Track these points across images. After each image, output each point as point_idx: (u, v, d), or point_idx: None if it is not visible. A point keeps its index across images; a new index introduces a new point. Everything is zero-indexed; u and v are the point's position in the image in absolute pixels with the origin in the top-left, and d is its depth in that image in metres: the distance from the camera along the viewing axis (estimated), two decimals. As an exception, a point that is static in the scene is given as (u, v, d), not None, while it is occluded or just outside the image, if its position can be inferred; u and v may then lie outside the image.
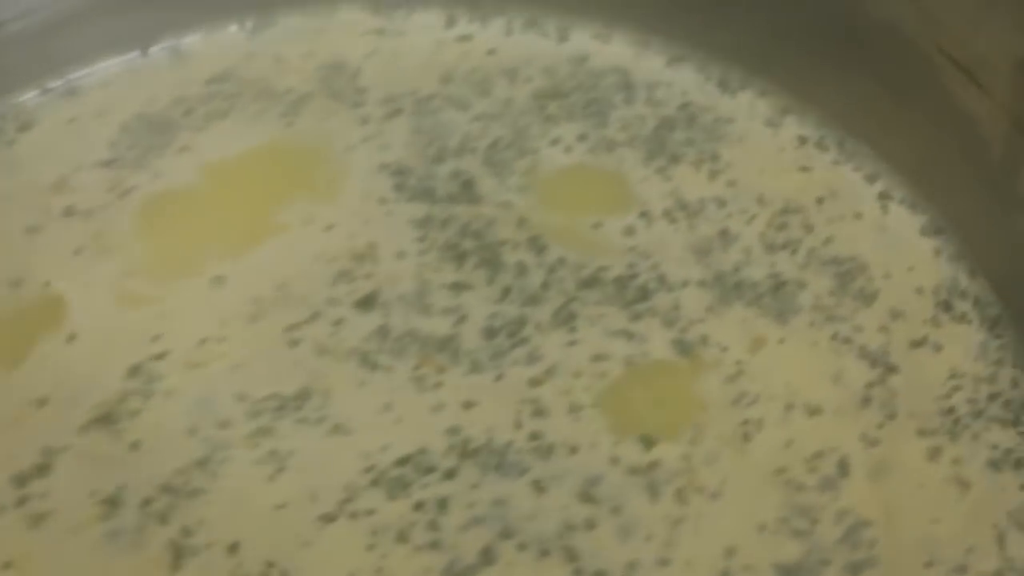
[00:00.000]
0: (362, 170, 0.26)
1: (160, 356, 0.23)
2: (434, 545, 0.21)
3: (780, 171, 0.27)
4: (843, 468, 0.22)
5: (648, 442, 0.23)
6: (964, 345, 0.24)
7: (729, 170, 0.27)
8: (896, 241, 0.26)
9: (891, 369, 0.23)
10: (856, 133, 0.27)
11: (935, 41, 0.24)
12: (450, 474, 0.22)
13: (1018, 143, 0.23)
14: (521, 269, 0.24)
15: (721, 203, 0.26)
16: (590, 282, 0.24)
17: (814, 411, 0.23)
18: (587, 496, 0.22)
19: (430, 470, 0.22)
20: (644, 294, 0.24)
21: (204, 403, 0.22)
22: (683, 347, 0.23)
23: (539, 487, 0.22)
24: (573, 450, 0.23)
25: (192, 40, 0.28)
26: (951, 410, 0.23)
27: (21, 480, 0.21)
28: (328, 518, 0.21)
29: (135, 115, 0.27)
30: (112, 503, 0.21)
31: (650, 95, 0.28)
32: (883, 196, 0.26)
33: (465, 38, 0.28)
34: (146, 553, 0.21)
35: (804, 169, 0.27)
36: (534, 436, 0.22)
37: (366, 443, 0.22)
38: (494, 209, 0.25)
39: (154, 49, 0.28)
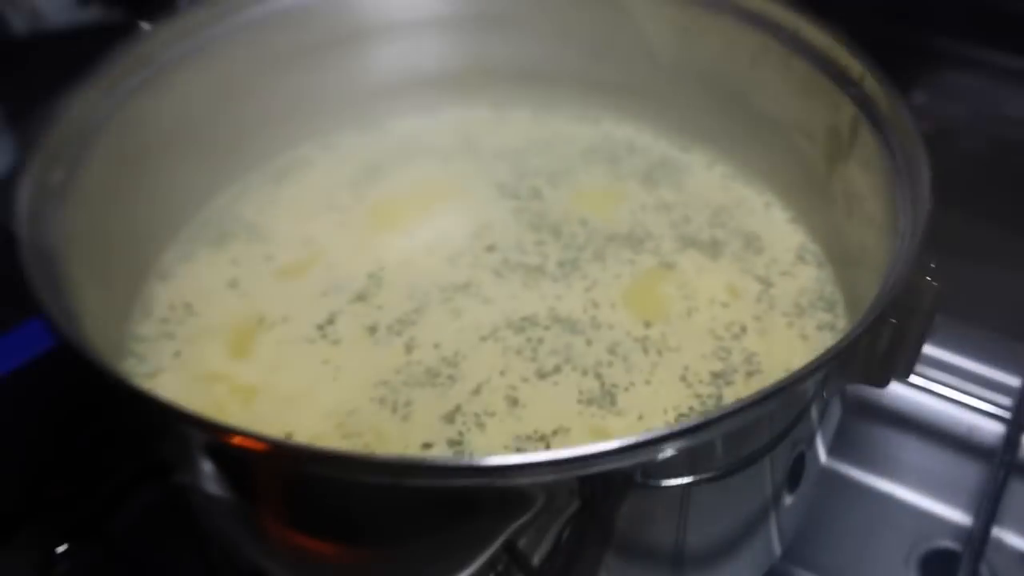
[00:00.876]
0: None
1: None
2: (533, 359, 0.39)
3: (711, 192, 0.48)
4: (743, 329, 0.41)
5: (647, 323, 0.42)
6: (807, 276, 0.44)
7: (684, 192, 0.48)
8: (773, 224, 0.45)
9: (770, 284, 0.43)
10: (750, 170, 0.49)
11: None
12: (547, 328, 0.41)
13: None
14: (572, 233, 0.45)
15: (679, 205, 0.47)
16: (612, 237, 0.45)
17: (729, 303, 0.42)
18: (612, 350, 0.41)
19: (536, 325, 0.41)
20: (642, 243, 0.44)
21: (415, 288, 0.42)
22: (664, 264, 0.43)
23: (588, 342, 0.41)
24: (610, 326, 0.41)
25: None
26: (799, 305, 0.42)
27: (320, 327, 0.41)
28: (484, 339, 0.40)
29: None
30: (372, 329, 0.41)
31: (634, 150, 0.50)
32: (767, 204, 0.47)
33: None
34: (391, 347, 0.40)
35: (724, 189, 0.47)
36: (592, 318, 0.41)
37: (506, 309, 0.41)
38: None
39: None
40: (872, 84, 0.38)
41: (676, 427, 0.26)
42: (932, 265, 0.32)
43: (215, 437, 0.28)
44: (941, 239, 0.33)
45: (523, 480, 0.27)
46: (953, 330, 0.52)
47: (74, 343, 0.30)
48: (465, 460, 0.31)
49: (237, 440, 0.27)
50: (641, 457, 0.27)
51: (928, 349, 0.50)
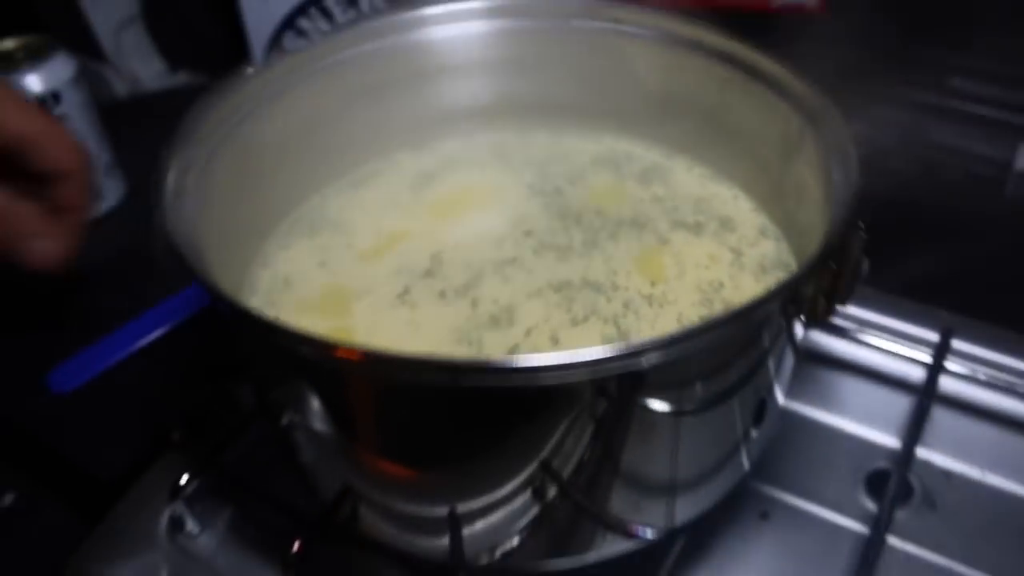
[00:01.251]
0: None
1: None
2: (568, 311, 0.49)
3: (692, 189, 0.61)
4: (721, 285, 0.51)
5: (652, 284, 0.54)
6: (768, 247, 0.56)
7: (672, 188, 0.60)
8: (740, 211, 0.57)
9: (740, 253, 0.54)
10: (721, 171, 0.61)
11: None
12: (579, 289, 0.54)
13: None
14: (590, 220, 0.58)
15: (669, 198, 0.59)
16: (620, 223, 0.57)
17: (710, 267, 0.54)
18: (626, 305, 0.51)
19: (571, 287, 0.54)
20: (644, 226, 0.57)
21: (471, 264, 0.54)
22: (661, 241, 0.55)
23: (608, 299, 0.53)
24: (625, 288, 0.52)
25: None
26: (763, 266, 0.54)
27: (399, 295, 0.52)
28: (530, 296, 0.52)
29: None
30: (442, 293, 0.53)
31: (631, 158, 0.63)
32: (735, 196, 0.60)
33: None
34: (460, 305, 0.52)
35: (702, 186, 0.59)
36: (612, 282, 0.52)
37: (546, 276, 0.54)
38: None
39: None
40: (812, 99, 0.51)
41: (666, 336, 0.35)
42: (861, 224, 0.42)
43: (328, 350, 0.36)
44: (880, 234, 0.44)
45: (556, 377, 0.35)
46: (890, 301, 0.65)
47: (225, 296, 0.39)
48: (513, 360, 0.35)
49: (342, 352, 0.36)
50: (640, 359, 0.35)
51: (869, 315, 0.64)
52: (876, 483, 0.58)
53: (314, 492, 0.49)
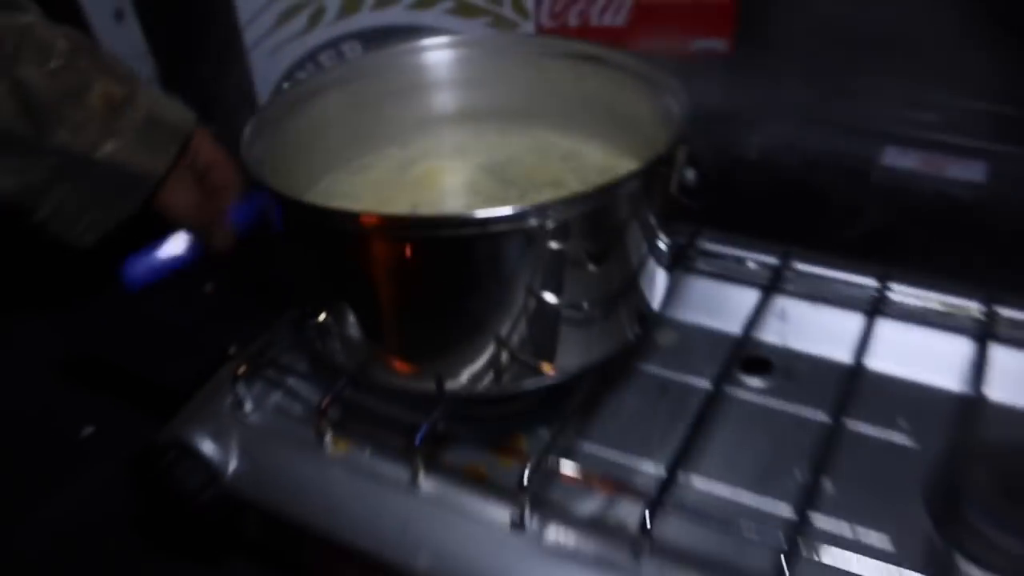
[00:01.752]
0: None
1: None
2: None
3: (599, 162, 0.84)
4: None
5: None
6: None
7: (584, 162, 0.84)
8: None
9: None
10: (618, 149, 0.85)
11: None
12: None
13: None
14: (524, 184, 0.81)
15: (581, 169, 0.83)
16: (546, 183, 0.80)
17: None
18: None
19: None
20: (562, 184, 0.80)
21: (438, 208, 0.77)
22: (571, 192, 0.79)
23: None
24: None
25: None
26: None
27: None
28: None
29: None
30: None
31: (555, 145, 0.87)
32: (631, 164, 0.83)
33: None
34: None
35: (605, 159, 0.83)
36: None
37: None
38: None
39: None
40: (669, 84, 0.74)
41: (561, 198, 0.58)
42: (684, 145, 0.61)
43: (354, 218, 0.59)
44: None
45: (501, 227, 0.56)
46: (740, 239, 0.88)
47: (282, 191, 0.62)
48: (471, 215, 0.55)
49: (365, 218, 0.58)
50: (547, 213, 0.56)
51: (736, 250, 0.86)
52: (750, 364, 0.77)
53: (335, 367, 0.70)
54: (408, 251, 0.58)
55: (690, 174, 0.65)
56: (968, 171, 1.12)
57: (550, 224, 0.57)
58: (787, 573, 0.54)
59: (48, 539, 0.78)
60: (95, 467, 0.86)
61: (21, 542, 0.77)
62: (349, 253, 0.62)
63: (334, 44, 1.21)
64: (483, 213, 0.56)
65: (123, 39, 1.38)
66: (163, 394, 0.79)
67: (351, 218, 0.59)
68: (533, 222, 0.56)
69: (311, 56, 1.22)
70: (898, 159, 1.15)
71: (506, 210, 0.57)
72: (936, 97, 1.16)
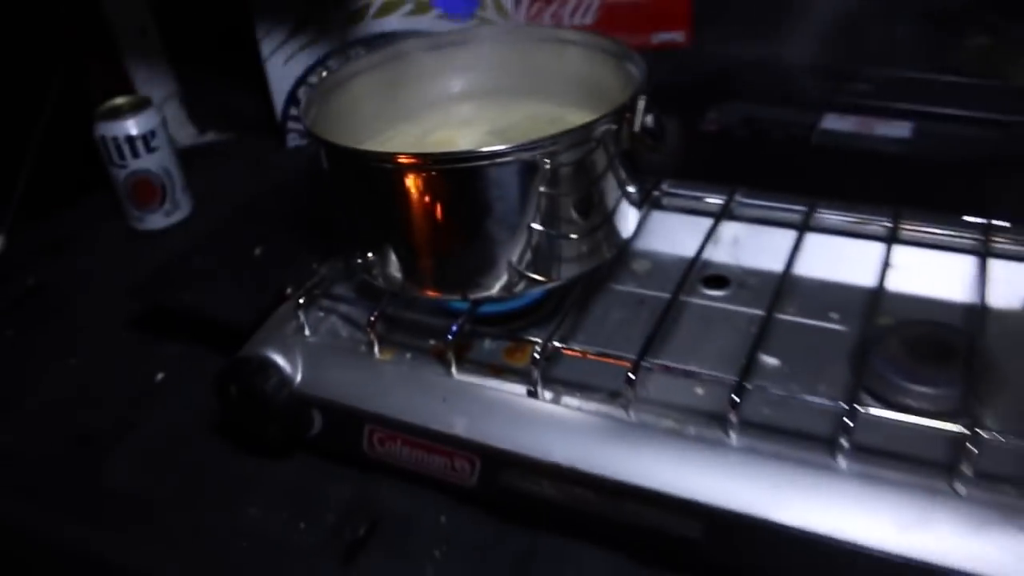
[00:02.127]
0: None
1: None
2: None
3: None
4: None
5: None
6: None
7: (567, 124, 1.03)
8: None
9: None
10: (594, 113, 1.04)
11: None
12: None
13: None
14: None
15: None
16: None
17: None
18: None
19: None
20: None
21: None
22: None
23: None
24: None
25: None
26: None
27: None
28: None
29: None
30: None
31: (543, 113, 1.06)
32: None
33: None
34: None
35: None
36: None
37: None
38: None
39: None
40: (631, 56, 0.93)
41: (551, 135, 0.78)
42: (644, 97, 0.80)
43: (391, 157, 0.76)
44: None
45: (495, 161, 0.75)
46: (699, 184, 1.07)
47: (345, 145, 0.83)
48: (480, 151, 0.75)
49: (401, 157, 0.76)
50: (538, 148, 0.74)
51: (690, 192, 1.05)
52: (710, 281, 0.95)
53: (379, 288, 0.88)
54: (435, 183, 0.76)
55: (649, 119, 0.84)
56: (896, 130, 1.32)
57: (541, 155, 0.74)
58: (738, 402, 0.72)
59: (140, 458, 0.95)
60: (171, 401, 1.03)
61: (120, 462, 0.95)
62: (388, 188, 0.80)
63: (341, 51, 1.40)
64: (490, 148, 0.75)
65: (146, 53, 1.57)
66: (231, 332, 0.97)
67: (390, 157, 0.77)
68: (528, 154, 0.74)
69: (321, 62, 1.41)
70: (835, 123, 1.35)
71: (507, 146, 0.75)
72: (868, 71, 1.38)
